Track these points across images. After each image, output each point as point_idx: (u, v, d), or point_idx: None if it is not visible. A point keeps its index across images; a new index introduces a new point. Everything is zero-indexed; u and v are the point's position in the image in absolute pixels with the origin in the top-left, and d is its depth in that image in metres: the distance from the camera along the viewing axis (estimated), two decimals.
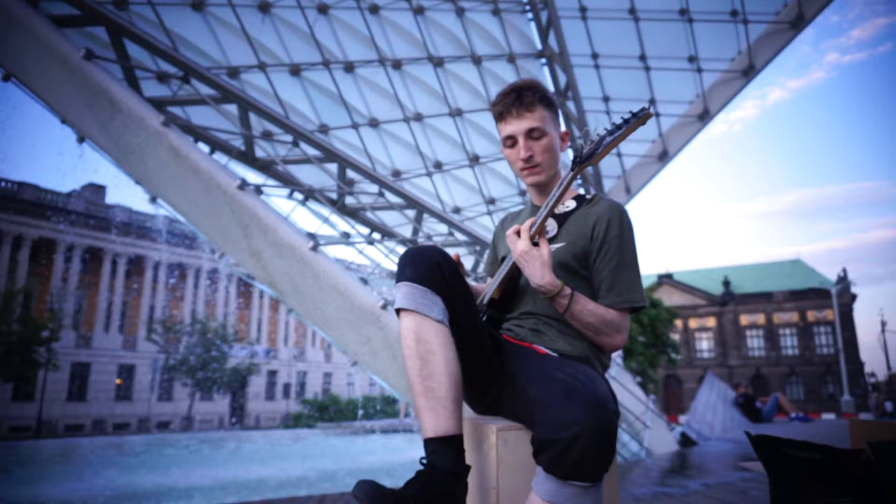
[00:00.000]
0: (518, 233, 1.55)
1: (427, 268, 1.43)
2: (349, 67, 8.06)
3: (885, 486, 1.39)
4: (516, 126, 1.63)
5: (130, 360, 35.55)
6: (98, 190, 36.68)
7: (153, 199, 5.71)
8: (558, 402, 1.24)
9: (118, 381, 34.80)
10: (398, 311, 1.43)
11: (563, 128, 1.72)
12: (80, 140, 5.52)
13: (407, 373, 1.37)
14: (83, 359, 33.33)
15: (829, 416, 26.19)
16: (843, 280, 47.76)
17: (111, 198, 37.42)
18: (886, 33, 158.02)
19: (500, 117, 1.66)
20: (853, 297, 48.13)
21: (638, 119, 1.40)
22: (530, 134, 1.62)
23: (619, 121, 1.42)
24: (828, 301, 44.75)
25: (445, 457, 1.27)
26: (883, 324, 46.75)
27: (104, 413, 33.19)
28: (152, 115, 5.09)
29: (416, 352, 1.35)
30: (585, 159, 1.47)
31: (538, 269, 1.49)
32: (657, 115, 10.66)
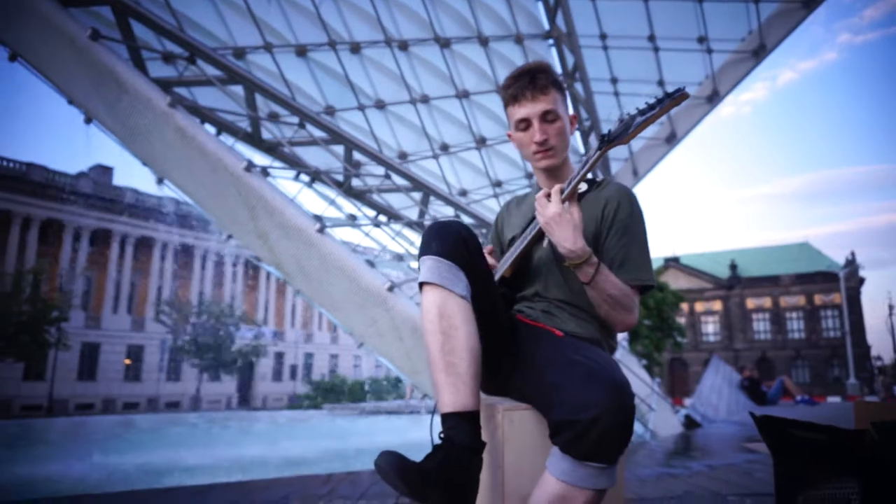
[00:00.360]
0: (548, 196, 1.49)
1: (452, 242, 1.43)
2: (355, 48, 8.00)
3: (888, 465, 1.40)
4: (531, 109, 1.60)
5: (139, 341, 35.92)
6: (105, 171, 36.79)
7: (160, 181, 5.72)
8: (578, 384, 1.25)
9: (127, 361, 35.19)
10: (422, 284, 1.42)
11: (570, 111, 1.71)
12: (88, 121, 5.52)
13: (427, 347, 1.37)
14: (92, 339, 33.71)
15: (834, 399, 26.22)
16: (851, 263, 47.49)
17: (119, 179, 37.57)
18: None
19: (513, 100, 1.63)
20: (861, 281, 47.91)
21: (672, 100, 1.33)
22: (545, 117, 1.60)
23: (652, 101, 1.36)
24: (835, 284, 44.56)
25: (464, 432, 1.28)
26: (891, 307, 46.52)
27: (114, 393, 33.65)
28: (159, 95, 5.07)
29: (439, 326, 1.35)
30: (615, 139, 1.41)
31: (570, 234, 1.43)
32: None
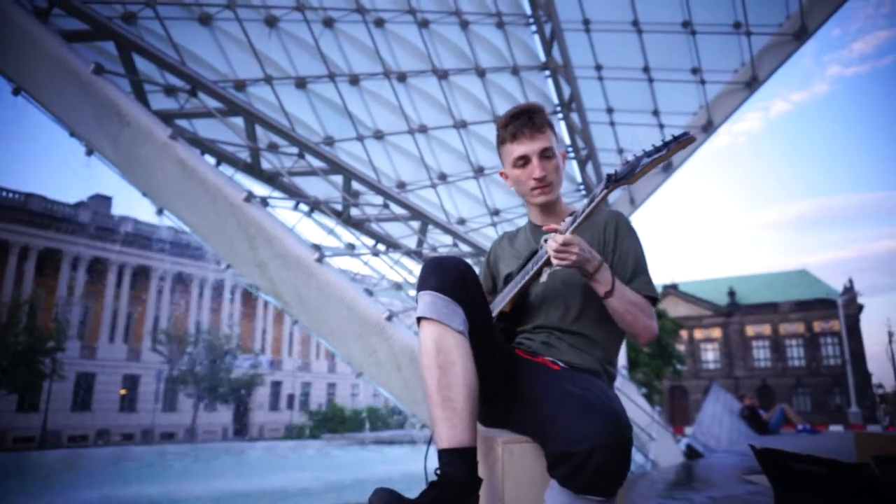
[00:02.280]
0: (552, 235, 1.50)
1: (451, 278, 1.44)
2: (354, 80, 8.13)
3: (888, 498, 1.39)
4: (530, 146, 1.64)
5: (135, 371, 35.59)
6: (104, 201, 36.90)
7: (160, 212, 5.76)
8: (575, 416, 1.25)
9: (123, 391, 34.82)
10: (419, 319, 1.43)
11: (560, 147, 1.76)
12: (89, 153, 5.58)
13: (424, 382, 1.37)
14: (88, 369, 33.38)
15: (836, 428, 25.97)
16: (850, 290, 47.48)
17: (117, 209, 37.67)
18: (888, 45, 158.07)
19: (512, 138, 1.67)
20: (860, 308, 47.83)
21: (679, 143, 1.34)
22: (543, 154, 1.65)
23: (658, 143, 1.37)
24: (834, 311, 44.46)
25: (459, 468, 1.29)
26: (890, 334, 46.37)
27: (109, 423, 33.18)
28: (160, 128, 5.14)
29: (436, 362, 1.36)
30: (621, 179, 1.43)
31: (577, 251, 1.43)
32: (661, 126, 10.68)
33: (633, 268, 1.61)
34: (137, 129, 5.10)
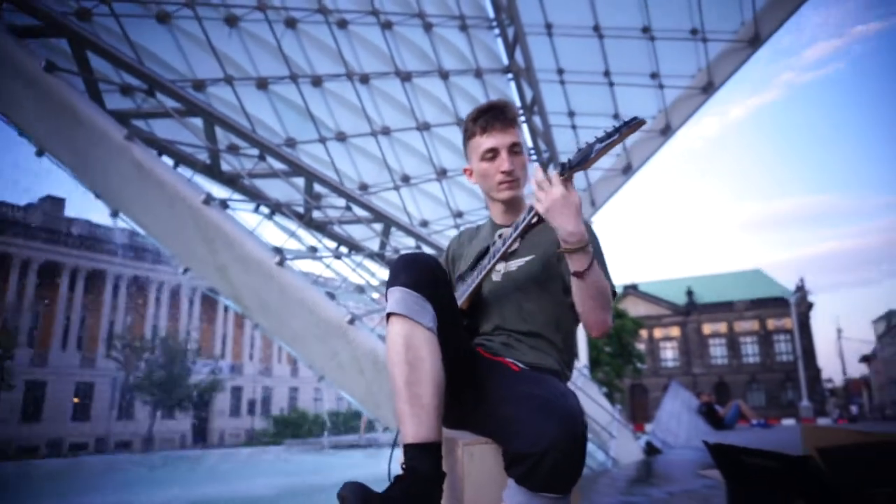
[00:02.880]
0: (546, 180, 1.42)
1: (421, 274, 1.44)
2: (317, 81, 8.05)
3: (831, 488, 1.46)
4: (500, 139, 1.65)
5: (89, 378, 34.49)
6: (56, 203, 35.69)
7: (115, 214, 5.61)
8: (531, 416, 1.27)
9: (75, 399, 33.70)
10: (389, 315, 1.42)
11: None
12: (40, 153, 5.39)
13: (392, 378, 1.37)
14: (38, 377, 32.20)
15: (789, 422, 26.87)
16: (801, 289, 49.24)
17: (70, 211, 36.49)
18: (836, 55, 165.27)
19: (482, 130, 1.67)
20: (810, 306, 49.65)
21: (629, 127, 1.33)
22: (512, 148, 1.66)
23: (610, 129, 1.36)
24: (786, 310, 46.00)
25: (425, 462, 1.30)
26: (839, 331, 48.34)
27: (61, 433, 32.06)
28: (115, 128, 5.01)
29: (405, 358, 1.36)
30: (575, 166, 1.40)
31: (574, 217, 1.39)
32: None
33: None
34: (91, 129, 4.96)
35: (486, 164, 1.68)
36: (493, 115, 1.67)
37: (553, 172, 1.43)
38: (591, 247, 1.41)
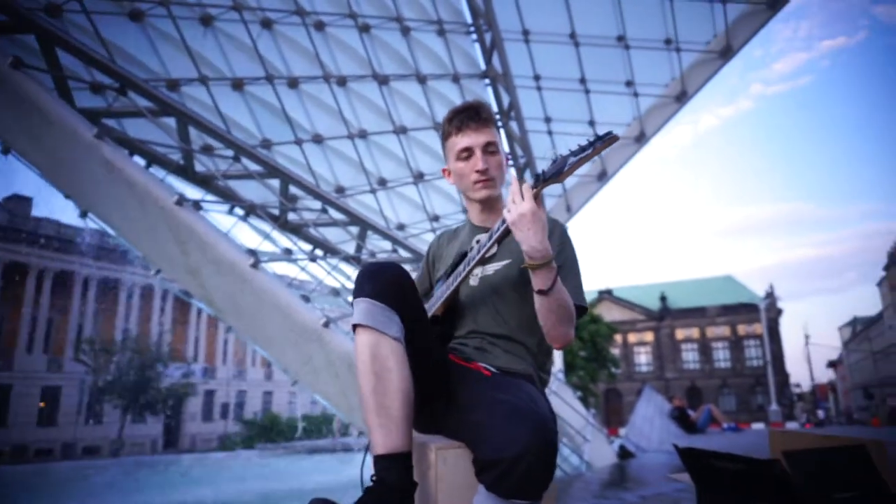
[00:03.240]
0: (519, 193, 1.44)
1: (387, 284, 1.44)
2: (293, 83, 8.00)
3: (796, 492, 1.49)
4: (475, 139, 1.66)
5: (56, 382, 33.63)
6: (23, 202, 34.82)
7: (84, 214, 5.50)
8: (502, 422, 1.27)
9: (42, 404, 32.85)
10: (355, 326, 1.42)
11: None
12: (6, 151, 5.27)
13: (360, 389, 1.37)
14: (3, 381, 31.33)
15: (758, 426, 27.34)
16: (771, 296, 50.28)
17: (38, 210, 35.62)
18: (805, 67, 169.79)
19: (457, 130, 1.68)
20: (780, 312, 50.65)
21: (603, 142, 1.35)
22: (487, 148, 1.67)
23: (584, 143, 1.38)
24: (757, 316, 46.83)
25: (395, 473, 1.29)
26: (806, 337, 49.39)
27: (26, 439, 31.20)
28: (85, 127, 4.90)
29: (372, 369, 1.36)
30: (549, 178, 1.42)
31: (540, 233, 1.40)
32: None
33: (566, 277, 1.62)
34: (60, 127, 4.85)
35: (462, 163, 1.69)
36: (467, 115, 1.68)
37: (525, 186, 1.45)
38: (555, 263, 1.44)
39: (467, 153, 1.67)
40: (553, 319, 1.49)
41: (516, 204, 1.43)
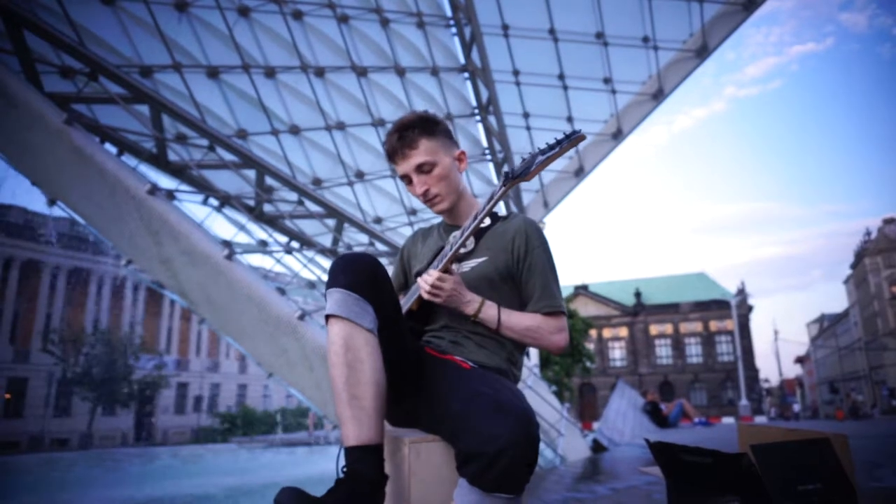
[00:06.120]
0: (437, 280, 1.58)
1: (361, 275, 1.42)
2: (270, 73, 7.90)
3: (763, 485, 1.52)
4: (405, 166, 1.67)
5: (22, 374, 32.91)
6: None
7: (52, 202, 5.35)
8: (484, 415, 1.26)
9: (7, 395, 32.12)
10: (328, 317, 1.41)
11: (458, 148, 1.75)
12: None
13: (332, 380, 1.36)
14: None
15: (728, 420, 27.93)
16: (742, 293, 51.27)
17: (3, 197, 34.68)
18: (776, 71, 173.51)
19: (390, 158, 1.72)
20: (750, 308, 51.67)
21: (570, 141, 1.38)
22: (420, 169, 1.66)
23: (552, 141, 1.40)
24: (728, 312, 47.77)
25: (366, 465, 1.28)
26: (775, 333, 50.53)
27: None
28: (53, 112, 4.78)
29: (344, 360, 1.34)
30: (517, 177, 1.44)
31: (454, 303, 1.56)
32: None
33: (541, 283, 1.63)
34: (27, 112, 4.72)
35: (409, 186, 1.72)
36: (393, 143, 1.68)
37: (428, 273, 1.58)
38: (488, 301, 1.60)
39: (407, 179, 1.71)
40: (529, 342, 1.61)
41: (440, 288, 1.57)
